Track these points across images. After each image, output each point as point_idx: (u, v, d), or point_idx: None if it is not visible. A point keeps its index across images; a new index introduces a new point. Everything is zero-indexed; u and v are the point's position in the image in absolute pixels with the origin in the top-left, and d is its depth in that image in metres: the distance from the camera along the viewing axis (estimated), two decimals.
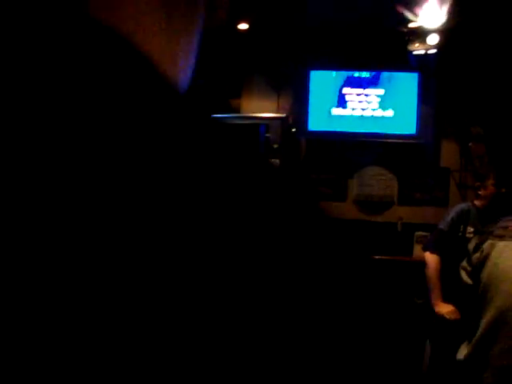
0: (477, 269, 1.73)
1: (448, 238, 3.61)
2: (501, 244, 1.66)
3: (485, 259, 1.69)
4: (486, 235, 1.76)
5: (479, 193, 3.62)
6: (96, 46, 0.36)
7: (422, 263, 3.71)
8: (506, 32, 4.33)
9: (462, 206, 3.74)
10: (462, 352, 1.84)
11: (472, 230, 3.48)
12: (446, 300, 3.53)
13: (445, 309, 3.47)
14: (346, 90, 4.96)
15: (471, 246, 1.80)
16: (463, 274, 1.89)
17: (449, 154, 5.04)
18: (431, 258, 3.64)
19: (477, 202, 3.67)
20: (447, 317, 3.43)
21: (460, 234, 3.63)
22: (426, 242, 3.98)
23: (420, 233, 4.69)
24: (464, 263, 1.90)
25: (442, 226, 3.69)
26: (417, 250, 4.58)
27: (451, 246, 3.48)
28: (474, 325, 1.73)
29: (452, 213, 3.68)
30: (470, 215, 3.63)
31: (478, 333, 1.67)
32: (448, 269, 3.05)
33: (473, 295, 1.77)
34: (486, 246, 1.70)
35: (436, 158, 5.07)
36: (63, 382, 0.32)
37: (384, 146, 5.01)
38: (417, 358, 3.71)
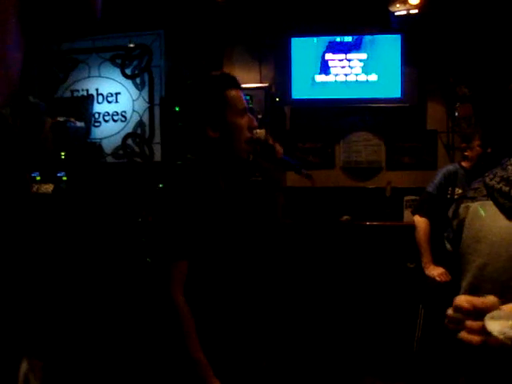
0: (457, 234, 1.71)
1: (437, 200, 3.59)
2: (473, 205, 1.64)
3: (462, 223, 1.67)
4: (461, 199, 1.74)
5: (466, 154, 3.60)
6: None
7: (413, 227, 3.71)
8: None
9: (450, 167, 3.72)
10: None
11: (460, 191, 3.46)
12: (437, 263, 3.54)
13: (435, 271, 3.49)
14: (328, 56, 4.87)
15: (450, 212, 1.78)
16: (446, 242, 1.87)
17: (435, 115, 4.99)
18: (420, 222, 3.64)
19: (464, 164, 3.65)
20: (438, 279, 3.45)
21: (449, 195, 3.61)
22: (415, 205, 3.96)
23: (410, 197, 4.67)
24: (446, 231, 1.89)
25: (430, 188, 3.67)
26: (407, 214, 4.57)
27: (441, 208, 3.45)
28: (458, 288, 1.72)
29: (439, 175, 3.66)
30: (458, 176, 3.61)
31: (460, 293, 1.66)
32: (438, 232, 3.04)
33: (455, 261, 1.75)
34: (461, 209, 1.68)
35: (422, 121, 5.01)
36: None
37: (369, 110, 4.96)
38: (411, 322, 3.73)
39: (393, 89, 4.81)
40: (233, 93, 1.78)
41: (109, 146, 5.35)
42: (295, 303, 4.29)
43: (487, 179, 1.63)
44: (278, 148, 1.84)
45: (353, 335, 4.22)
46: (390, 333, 4.14)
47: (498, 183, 1.57)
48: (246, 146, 1.75)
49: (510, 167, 1.58)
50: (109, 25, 5.14)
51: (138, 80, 5.28)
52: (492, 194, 1.59)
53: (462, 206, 1.69)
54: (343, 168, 5.14)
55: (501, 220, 1.57)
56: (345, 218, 4.81)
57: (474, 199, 1.66)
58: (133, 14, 5.00)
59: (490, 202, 1.60)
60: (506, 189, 1.54)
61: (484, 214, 1.60)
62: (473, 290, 1.61)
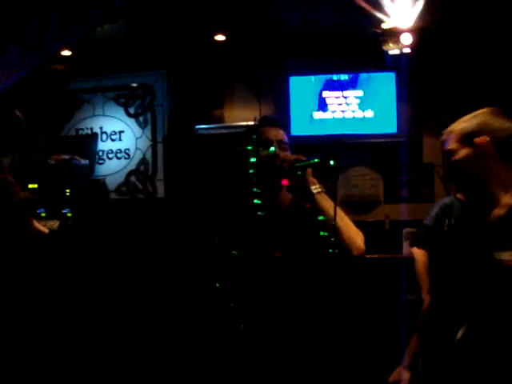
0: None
1: (434, 232, 3.65)
2: None
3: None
4: None
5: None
6: None
7: (412, 259, 3.76)
8: (476, 28, 4.42)
9: (446, 200, 3.78)
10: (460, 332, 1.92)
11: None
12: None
13: None
14: (325, 94, 5.04)
15: None
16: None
17: (431, 149, 5.11)
18: (418, 253, 3.67)
19: (459, 196, 3.72)
20: None
21: (445, 227, 3.67)
22: (412, 237, 4.03)
23: (408, 229, 4.74)
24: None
25: (426, 221, 3.72)
26: (406, 246, 4.63)
27: (438, 241, 3.52)
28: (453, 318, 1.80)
29: (435, 208, 3.72)
30: (454, 209, 3.68)
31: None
32: (435, 263, 3.10)
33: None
34: None
35: (419, 155, 5.14)
36: None
37: (366, 146, 5.09)
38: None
39: (389, 124, 4.95)
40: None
41: (112, 182, 5.47)
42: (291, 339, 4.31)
43: None
44: (283, 155, 1.90)
45: (351, 366, 4.23)
46: (388, 364, 4.16)
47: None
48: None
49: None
50: (113, 65, 5.34)
51: (141, 119, 5.43)
52: None
53: None
54: (342, 202, 5.23)
55: None
56: None
57: None
58: (136, 55, 5.18)
59: None
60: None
61: None
62: None
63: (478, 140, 1.81)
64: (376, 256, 4.78)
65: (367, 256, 4.86)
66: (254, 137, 1.91)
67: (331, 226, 1.72)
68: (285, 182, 1.91)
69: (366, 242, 5.14)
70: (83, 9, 2.93)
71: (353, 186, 5.21)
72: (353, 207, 5.22)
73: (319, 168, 1.82)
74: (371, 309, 4.56)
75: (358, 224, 5.51)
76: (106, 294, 4.41)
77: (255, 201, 1.92)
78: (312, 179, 1.82)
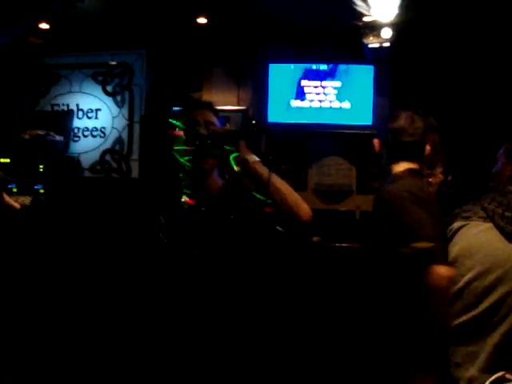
0: None
1: None
2: (468, 224, 1.80)
3: (450, 238, 1.82)
4: (452, 217, 1.89)
5: (429, 180, 3.78)
6: None
7: None
8: (455, 24, 4.51)
9: None
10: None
11: None
12: None
13: None
14: (304, 83, 5.07)
15: None
16: None
17: None
18: None
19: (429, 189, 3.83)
20: None
21: None
22: None
23: None
24: None
25: None
26: None
27: None
28: None
29: None
30: None
31: None
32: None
33: None
34: (452, 226, 1.83)
35: None
36: None
37: (342, 136, 5.15)
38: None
39: (365, 116, 5.02)
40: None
41: (87, 160, 5.44)
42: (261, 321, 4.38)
43: (485, 203, 1.79)
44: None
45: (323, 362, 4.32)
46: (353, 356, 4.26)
47: (498, 207, 1.74)
48: None
49: (509, 194, 1.76)
50: (92, 42, 5.28)
51: (118, 97, 5.40)
52: (492, 217, 1.75)
53: (455, 223, 1.83)
54: (315, 190, 5.31)
55: (496, 241, 1.73)
56: (315, 238, 4.96)
57: (467, 218, 1.81)
58: (116, 33, 5.13)
59: (489, 224, 1.76)
60: (509, 214, 1.71)
61: (479, 234, 1.76)
62: (455, 300, 1.75)
63: None
64: (345, 245, 4.87)
65: (337, 244, 5.00)
66: (182, 119, 1.90)
67: (271, 195, 1.68)
68: (210, 163, 1.85)
69: (337, 231, 5.23)
70: None
71: (326, 174, 5.28)
72: (325, 196, 5.30)
73: (246, 136, 1.76)
74: (339, 295, 4.65)
75: (329, 213, 5.64)
76: (75, 272, 4.42)
77: (184, 190, 1.93)
78: (246, 149, 1.72)
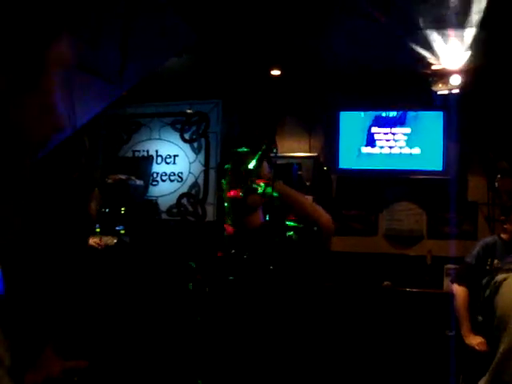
0: (488, 303, 1.88)
1: (475, 270, 3.72)
2: (509, 276, 1.83)
3: (496, 292, 1.84)
4: (496, 270, 1.92)
5: (505, 226, 3.75)
6: None
7: (452, 295, 3.82)
8: None
9: (488, 239, 3.88)
10: (481, 382, 1.99)
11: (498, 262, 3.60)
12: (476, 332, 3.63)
13: (474, 340, 3.52)
14: (374, 130, 5.20)
15: (484, 281, 1.97)
16: (476, 314, 2.05)
17: (476, 188, 5.19)
18: (459, 290, 3.75)
19: (503, 236, 3.79)
20: (477, 348, 3.48)
21: (488, 267, 3.74)
22: (454, 274, 4.11)
23: (450, 266, 4.79)
24: (479, 302, 2.07)
25: (468, 259, 3.82)
26: (447, 282, 4.69)
27: (479, 279, 3.58)
28: (491, 356, 1.87)
29: (478, 247, 3.82)
30: (497, 248, 3.75)
31: (495, 361, 1.82)
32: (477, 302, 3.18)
33: (486, 330, 1.93)
34: (496, 279, 1.86)
35: (463, 193, 5.22)
36: None
37: (412, 182, 5.20)
38: None
39: (435, 162, 5.06)
40: None
41: (164, 203, 5.73)
42: (333, 366, 4.41)
43: None
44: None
45: None
46: None
47: None
48: None
49: None
50: (171, 92, 5.63)
51: (195, 144, 5.70)
52: None
53: (499, 276, 1.87)
54: (385, 235, 5.35)
55: None
56: (386, 283, 4.98)
57: (509, 271, 1.86)
58: (194, 84, 5.45)
59: None
60: None
61: None
62: (507, 359, 1.77)
63: None
64: (416, 290, 4.85)
65: (408, 289, 4.99)
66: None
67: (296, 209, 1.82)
68: (252, 199, 1.97)
69: (408, 276, 5.22)
70: (158, 42, 3.19)
71: (396, 219, 5.32)
72: (395, 240, 5.32)
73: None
74: (411, 342, 4.62)
75: (400, 258, 5.65)
76: (155, 307, 4.61)
77: (228, 220, 2.10)
78: (266, 173, 1.92)
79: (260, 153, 1.98)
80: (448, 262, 4.86)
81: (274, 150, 1.92)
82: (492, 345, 1.88)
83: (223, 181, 2.09)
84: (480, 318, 2.02)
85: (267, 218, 2.12)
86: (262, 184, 1.88)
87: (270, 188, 1.85)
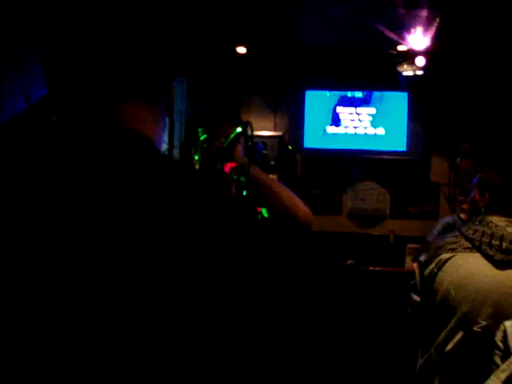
0: (426, 283, 1.89)
1: None
2: (455, 256, 1.84)
3: (436, 272, 1.85)
4: (435, 250, 1.92)
5: (463, 206, 3.81)
6: None
7: (414, 274, 3.88)
8: (489, 52, 4.59)
9: (448, 219, 3.93)
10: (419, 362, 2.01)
11: None
12: None
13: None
14: (339, 109, 5.21)
15: (422, 259, 1.97)
16: (412, 293, 2.05)
17: (438, 169, 5.27)
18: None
19: (462, 216, 3.85)
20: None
21: None
22: (416, 253, 4.17)
23: (411, 245, 4.86)
24: (412, 281, 2.07)
25: (429, 238, 3.88)
26: (409, 261, 4.76)
27: None
28: (430, 336, 1.88)
29: (438, 226, 3.87)
30: (456, 227, 3.81)
31: (439, 339, 1.83)
32: None
33: (423, 310, 1.93)
34: (437, 259, 1.87)
35: (426, 174, 5.29)
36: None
37: (376, 162, 5.25)
38: (411, 367, 3.87)
39: (399, 142, 5.11)
40: None
41: None
42: (295, 343, 4.44)
43: (469, 234, 1.85)
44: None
45: (351, 378, 4.35)
46: (389, 377, 4.28)
47: (483, 237, 1.80)
48: None
49: (491, 224, 1.82)
50: None
51: None
52: (480, 247, 1.80)
53: (443, 255, 1.87)
54: (349, 215, 5.40)
55: (487, 270, 1.79)
56: (349, 262, 5.03)
57: (453, 250, 1.86)
58: None
59: (476, 254, 1.81)
60: (497, 242, 1.77)
61: (468, 264, 1.82)
62: (454, 336, 1.79)
63: None
64: (379, 269, 4.92)
65: (370, 268, 5.05)
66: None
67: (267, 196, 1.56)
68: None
69: (371, 255, 5.29)
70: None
71: (360, 199, 5.37)
72: (359, 220, 5.38)
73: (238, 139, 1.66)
74: (372, 319, 4.69)
75: (363, 237, 5.71)
76: None
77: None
78: (240, 156, 1.63)
79: (236, 131, 1.79)
80: (410, 241, 4.94)
81: (250, 132, 1.70)
82: (432, 324, 1.88)
83: (195, 156, 1.96)
84: (416, 297, 2.00)
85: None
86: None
87: (242, 177, 1.62)
